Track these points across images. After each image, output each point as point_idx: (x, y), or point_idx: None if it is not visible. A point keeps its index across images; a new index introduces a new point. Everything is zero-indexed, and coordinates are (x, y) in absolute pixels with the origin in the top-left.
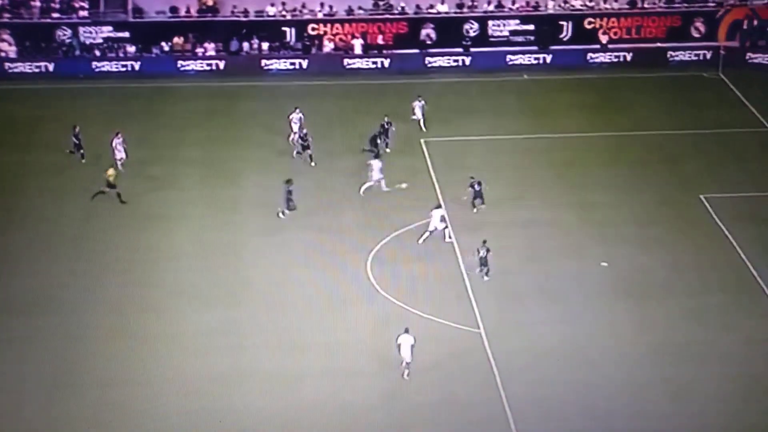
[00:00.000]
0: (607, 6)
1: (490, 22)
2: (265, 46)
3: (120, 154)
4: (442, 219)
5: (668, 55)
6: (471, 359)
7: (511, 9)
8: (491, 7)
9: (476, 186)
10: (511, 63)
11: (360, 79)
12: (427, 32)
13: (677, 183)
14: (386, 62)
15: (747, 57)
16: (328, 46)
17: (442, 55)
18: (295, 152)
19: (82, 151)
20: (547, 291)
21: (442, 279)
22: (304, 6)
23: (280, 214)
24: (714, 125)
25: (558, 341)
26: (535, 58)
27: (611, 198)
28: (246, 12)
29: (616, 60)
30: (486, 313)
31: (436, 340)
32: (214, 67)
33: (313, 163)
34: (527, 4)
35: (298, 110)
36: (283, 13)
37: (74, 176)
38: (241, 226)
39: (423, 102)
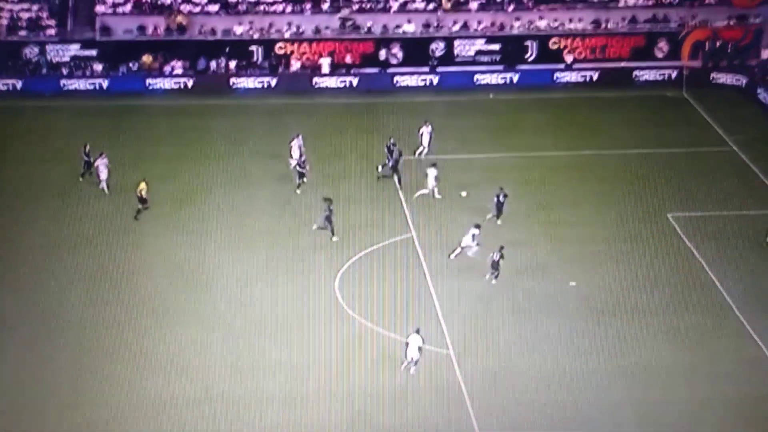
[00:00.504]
0: (572, 26)
1: (457, 42)
2: (232, 64)
3: (103, 175)
4: (474, 237)
5: (633, 75)
6: (440, 380)
7: (476, 29)
8: (457, 28)
9: (501, 197)
10: (478, 82)
11: (328, 97)
12: (394, 52)
13: (644, 202)
14: (354, 81)
15: (711, 77)
16: (295, 65)
17: (411, 74)
18: (298, 184)
19: (91, 169)
20: (516, 310)
21: (411, 299)
22: (271, 25)
23: (333, 238)
24: (679, 144)
25: (527, 361)
26: (503, 78)
27: (579, 217)
28: (213, 31)
29: (582, 79)
30: (455, 333)
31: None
32: (182, 86)
33: (298, 191)
34: (493, 24)
35: (299, 136)
36: (251, 32)
37: (46, 189)
38: (209, 244)
39: (431, 127)
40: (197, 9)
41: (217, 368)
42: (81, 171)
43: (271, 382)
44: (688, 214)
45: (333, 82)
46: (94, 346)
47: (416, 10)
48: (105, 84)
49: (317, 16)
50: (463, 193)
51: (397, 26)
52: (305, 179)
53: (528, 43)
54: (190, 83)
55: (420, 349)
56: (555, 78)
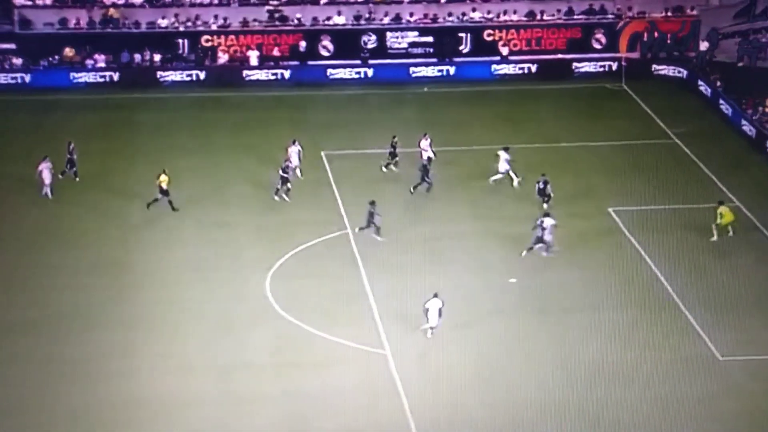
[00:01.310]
0: (507, 18)
1: (389, 34)
2: (157, 57)
3: (47, 180)
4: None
5: (573, 67)
6: (377, 382)
7: (409, 21)
8: (388, 20)
9: (540, 184)
10: (414, 75)
11: (259, 90)
12: (325, 44)
13: (585, 196)
14: (286, 74)
15: (652, 68)
16: (222, 58)
17: (344, 66)
18: (276, 190)
19: (75, 168)
20: (455, 309)
21: (346, 298)
22: (197, 18)
23: (377, 237)
24: (620, 137)
25: (467, 361)
26: (439, 71)
27: (519, 211)
28: (138, 24)
29: (520, 72)
30: (391, 332)
31: (340, 362)
32: (108, 79)
33: (276, 197)
34: (425, 16)
35: (296, 142)
36: (176, 24)
37: None
38: (135, 243)
39: (430, 140)
40: (121, 1)
41: (142, 371)
42: (62, 170)
43: (199, 386)
44: (629, 208)
45: (263, 74)
46: (8, 350)
47: (346, 2)
48: (27, 78)
49: (244, 8)
50: (517, 181)
51: (327, 18)
52: (289, 185)
53: (462, 35)
54: (116, 77)
55: (440, 311)
56: (493, 71)
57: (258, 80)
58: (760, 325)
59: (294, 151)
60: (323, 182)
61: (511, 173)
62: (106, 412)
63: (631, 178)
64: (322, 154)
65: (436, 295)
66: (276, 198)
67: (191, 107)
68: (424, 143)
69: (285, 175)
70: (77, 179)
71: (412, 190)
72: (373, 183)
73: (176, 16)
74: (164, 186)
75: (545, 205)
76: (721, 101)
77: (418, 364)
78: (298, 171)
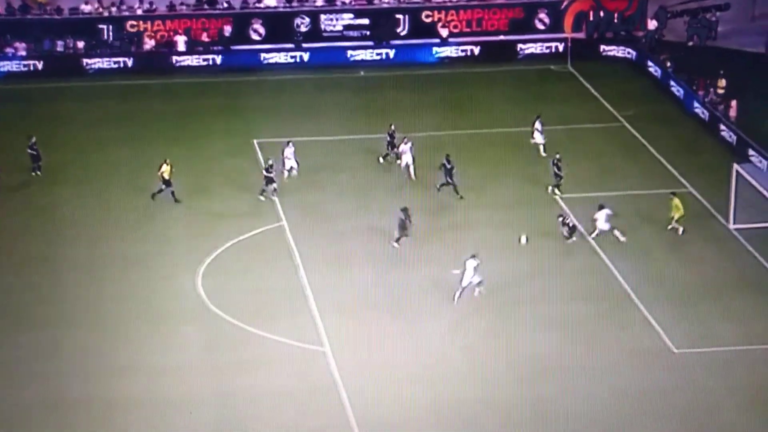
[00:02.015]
0: None
1: (322, 17)
2: (81, 44)
3: None
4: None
5: (517, 49)
6: (315, 381)
7: (344, 3)
8: (322, 1)
9: (554, 162)
10: (352, 59)
11: (190, 77)
12: (256, 27)
13: (531, 183)
14: (218, 59)
15: (600, 49)
16: (148, 44)
17: (278, 51)
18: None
19: (39, 163)
20: (396, 302)
21: (281, 293)
22: (122, 2)
23: (395, 244)
24: (566, 121)
25: (409, 358)
26: (378, 54)
27: (463, 200)
28: (60, 10)
29: (463, 54)
30: (330, 328)
31: (277, 361)
32: (32, 68)
33: (275, 197)
34: None
35: (291, 144)
36: (100, 10)
37: None
38: (58, 238)
39: (411, 144)
40: None
41: (69, 373)
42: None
43: (128, 387)
44: (577, 194)
45: (194, 60)
46: None
47: None
48: None
49: None
50: (523, 240)
51: (258, 0)
52: (275, 185)
53: (399, 16)
54: (40, 65)
55: (476, 269)
56: (434, 53)
57: (188, 66)
58: (716, 317)
59: (289, 152)
60: (256, 172)
61: (542, 147)
62: (35, 414)
63: (578, 163)
64: (255, 142)
65: (473, 256)
66: (261, 198)
67: (119, 96)
68: (404, 147)
69: (269, 175)
70: (39, 174)
71: (380, 160)
72: (310, 172)
73: (99, 1)
74: (166, 176)
75: (557, 191)
76: (671, 83)
77: (359, 362)
78: (294, 172)
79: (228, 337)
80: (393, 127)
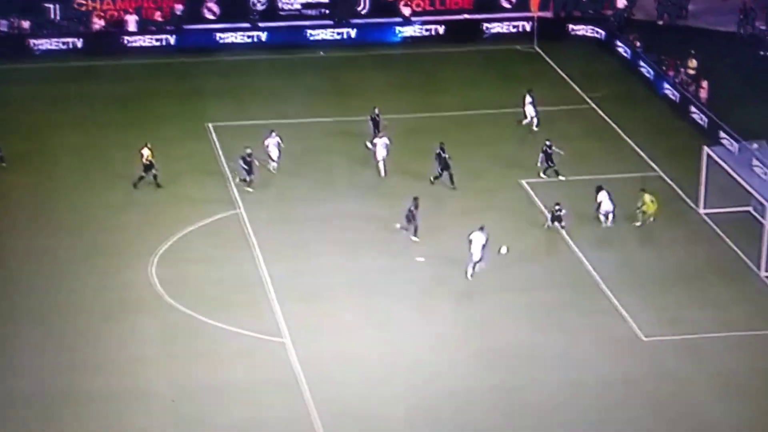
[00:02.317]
0: None
1: None
2: (26, 24)
3: None
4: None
5: (483, 28)
6: (276, 372)
7: None
8: None
9: (546, 148)
10: (312, 39)
11: (143, 58)
12: (210, 6)
13: (497, 167)
14: (171, 39)
15: (568, 29)
16: (98, 23)
17: (234, 30)
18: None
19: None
20: (358, 291)
21: (239, 283)
22: None
23: (413, 238)
24: (546, 103)
25: (372, 347)
26: (339, 33)
27: (427, 186)
28: None
29: (427, 34)
30: (290, 319)
31: (235, 353)
32: None
33: (250, 189)
34: None
35: (274, 134)
36: None
37: None
38: (9, 229)
39: (387, 140)
40: None
41: (21, 367)
42: None
43: (83, 381)
44: (544, 179)
45: (146, 41)
46: None
47: None
48: None
49: None
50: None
51: None
52: (252, 176)
53: None
54: None
55: (483, 247)
56: (397, 33)
57: (140, 47)
58: (686, 303)
59: (272, 143)
60: (210, 156)
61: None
62: None
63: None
64: (209, 125)
65: (481, 228)
66: (250, 189)
67: (68, 78)
68: (379, 140)
69: (246, 167)
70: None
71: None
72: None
73: None
74: (148, 161)
75: (550, 175)
76: (640, 63)
77: (321, 353)
78: (273, 165)
79: (184, 329)
80: (377, 110)
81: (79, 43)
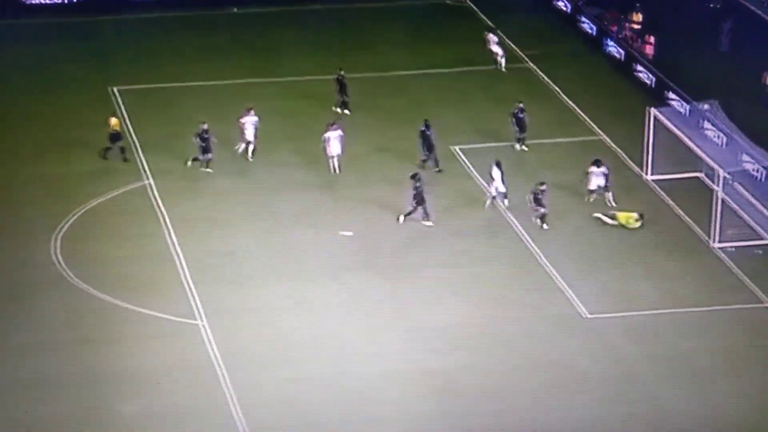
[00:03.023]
0: None
1: None
2: None
3: None
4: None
5: None
6: (190, 357)
7: None
8: None
9: (519, 113)
10: None
11: (41, 18)
12: None
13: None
14: None
15: None
16: None
17: None
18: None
19: None
20: (281, 269)
21: (149, 261)
22: None
23: (427, 223)
24: (463, 62)
25: (296, 329)
26: None
27: (352, 154)
28: None
29: None
30: (207, 300)
31: (145, 336)
32: None
33: (209, 169)
34: None
35: (251, 112)
36: None
37: None
38: None
39: (341, 131)
40: None
41: None
42: None
43: None
44: (477, 145)
45: None
46: None
47: None
48: None
49: None
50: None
51: None
52: (210, 155)
53: None
54: None
55: (503, 180)
56: None
57: (38, 4)
58: (631, 279)
59: (250, 121)
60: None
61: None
62: None
63: (478, 110)
64: (115, 90)
65: (497, 163)
66: (204, 169)
67: None
68: (331, 133)
69: (203, 144)
70: None
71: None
72: (178, 123)
73: None
74: (114, 130)
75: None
76: (581, 18)
77: (240, 336)
78: (249, 149)
79: (92, 312)
80: (342, 72)
81: None
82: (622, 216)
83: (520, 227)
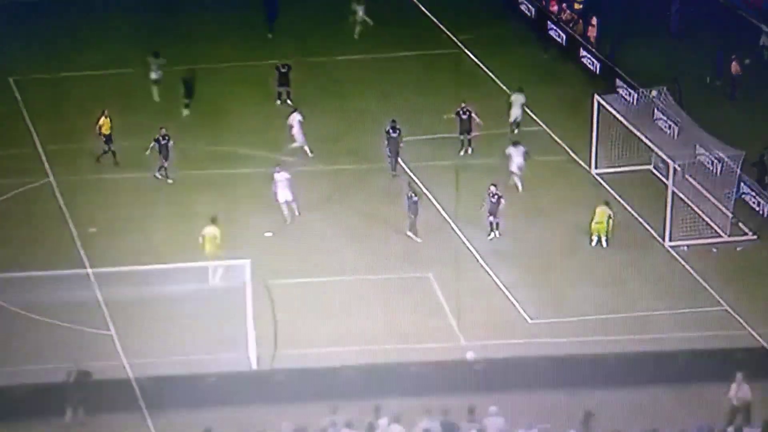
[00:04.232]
0: None
1: None
2: None
3: None
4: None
5: None
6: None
7: None
8: None
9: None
10: None
11: None
12: None
13: (354, 123)
14: None
15: None
16: None
17: None
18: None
19: None
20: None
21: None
22: None
23: (414, 237)
24: (389, 47)
25: (210, 342)
26: None
27: (266, 141)
28: None
29: None
30: (114, 308)
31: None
32: None
33: (170, 180)
34: None
35: (297, 112)
36: None
37: None
38: None
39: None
40: None
41: None
42: None
43: None
44: (408, 138)
45: None
46: None
47: None
48: None
49: None
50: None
51: None
52: (167, 163)
53: None
54: None
55: (523, 105)
56: None
57: None
58: (576, 281)
59: (296, 120)
60: (14, 117)
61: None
62: None
63: (408, 99)
64: (11, 80)
65: (520, 90)
66: (158, 176)
67: None
68: (278, 176)
69: (163, 142)
70: None
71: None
72: (79, 114)
73: None
74: (105, 131)
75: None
76: None
77: (148, 346)
78: (307, 148)
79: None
80: (288, 66)
81: None
82: (601, 213)
83: (455, 227)
